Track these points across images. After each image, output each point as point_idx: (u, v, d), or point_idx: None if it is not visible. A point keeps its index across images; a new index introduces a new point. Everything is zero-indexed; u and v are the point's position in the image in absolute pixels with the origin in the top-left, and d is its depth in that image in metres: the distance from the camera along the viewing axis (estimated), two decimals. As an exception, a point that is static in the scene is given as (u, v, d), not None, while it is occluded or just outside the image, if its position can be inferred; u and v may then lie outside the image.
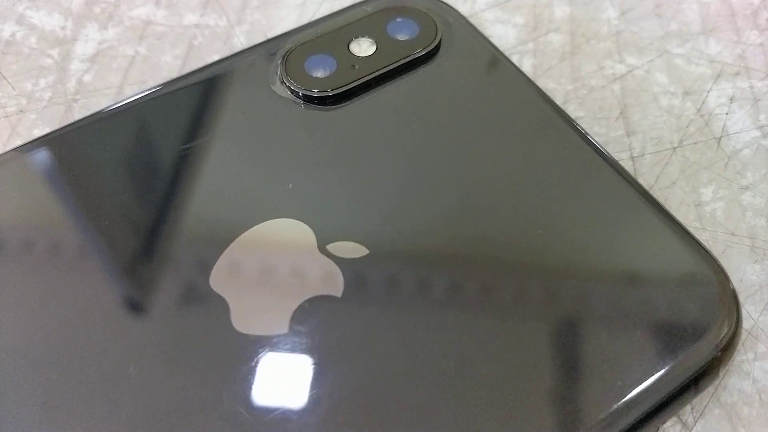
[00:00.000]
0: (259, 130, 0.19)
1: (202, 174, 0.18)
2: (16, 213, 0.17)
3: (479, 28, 0.23)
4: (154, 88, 0.20)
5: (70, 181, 0.18)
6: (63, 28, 0.24)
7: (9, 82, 0.22)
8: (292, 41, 0.20)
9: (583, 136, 0.19)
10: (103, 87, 0.22)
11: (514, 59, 0.23)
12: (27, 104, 0.22)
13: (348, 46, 0.20)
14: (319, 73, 0.20)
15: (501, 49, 0.23)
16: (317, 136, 0.19)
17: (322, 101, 0.19)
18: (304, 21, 0.24)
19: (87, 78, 0.22)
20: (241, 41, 0.23)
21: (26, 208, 0.17)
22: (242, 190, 0.18)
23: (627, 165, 0.20)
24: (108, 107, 0.19)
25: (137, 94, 0.19)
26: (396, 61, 0.20)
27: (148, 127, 0.19)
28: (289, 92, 0.19)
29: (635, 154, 0.21)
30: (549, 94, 0.22)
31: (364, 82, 0.19)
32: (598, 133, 0.21)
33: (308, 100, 0.19)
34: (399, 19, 0.21)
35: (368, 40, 0.20)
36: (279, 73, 0.20)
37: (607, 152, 0.19)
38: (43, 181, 0.18)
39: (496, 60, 0.20)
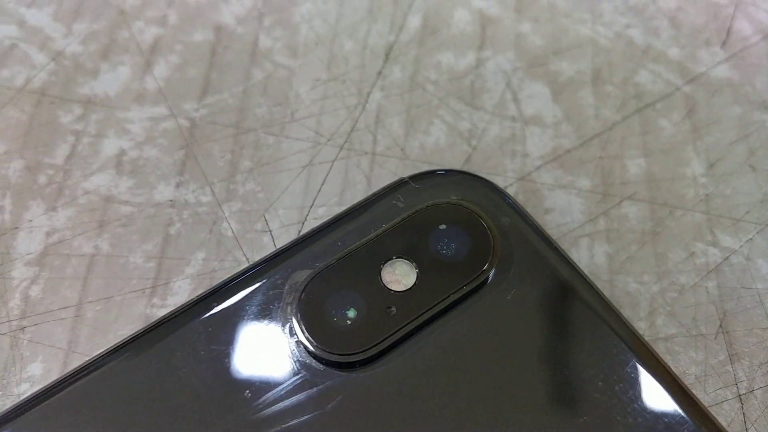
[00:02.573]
0: (262, 416, 0.14)
1: None
2: None
3: (536, 197, 0.18)
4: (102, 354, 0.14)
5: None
6: (0, 208, 0.18)
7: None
8: (307, 263, 0.15)
9: (679, 387, 0.15)
10: (56, 306, 0.17)
11: (584, 245, 0.18)
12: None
13: (380, 274, 0.15)
14: (343, 321, 0.15)
15: (566, 230, 0.18)
16: (343, 422, 0.14)
17: (350, 365, 0.14)
18: (312, 191, 0.19)
19: (34, 292, 0.17)
20: (231, 228, 0.18)
21: None
22: None
23: (734, 408, 0.16)
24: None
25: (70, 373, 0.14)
26: (446, 296, 0.15)
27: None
28: (305, 352, 0.15)
29: (742, 391, 0.16)
30: (631, 299, 0.17)
31: (404, 334, 0.15)
32: (695, 360, 0.17)
33: (329, 363, 0.14)
34: (443, 227, 0.16)
35: (405, 262, 0.15)
36: (293, 322, 0.15)
37: (704, 406, 0.14)
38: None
39: (568, 281, 0.15)
